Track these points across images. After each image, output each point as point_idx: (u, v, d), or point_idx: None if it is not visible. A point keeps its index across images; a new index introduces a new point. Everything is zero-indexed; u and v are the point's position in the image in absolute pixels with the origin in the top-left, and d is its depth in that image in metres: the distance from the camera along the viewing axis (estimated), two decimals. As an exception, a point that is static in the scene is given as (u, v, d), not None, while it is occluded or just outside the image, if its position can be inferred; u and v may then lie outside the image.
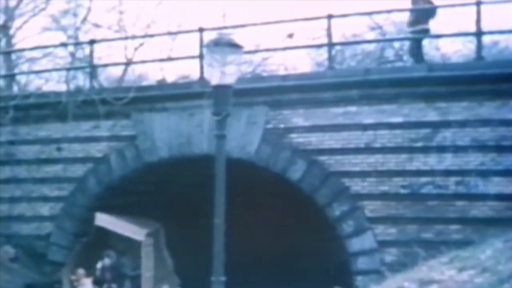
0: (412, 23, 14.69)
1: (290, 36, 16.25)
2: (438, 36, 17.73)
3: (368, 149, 13.45)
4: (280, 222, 19.55)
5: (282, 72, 22.12)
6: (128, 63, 22.69)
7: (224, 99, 9.68)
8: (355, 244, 13.35)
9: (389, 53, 23.52)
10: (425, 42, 16.38)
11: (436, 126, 13.03)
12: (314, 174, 13.84)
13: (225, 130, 9.80)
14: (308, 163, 13.90)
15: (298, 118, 14.10)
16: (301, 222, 18.92)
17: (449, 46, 21.81)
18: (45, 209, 16.33)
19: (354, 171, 13.51)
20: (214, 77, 9.63)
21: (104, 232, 15.51)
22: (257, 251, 18.74)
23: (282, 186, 14.89)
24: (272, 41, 18.02)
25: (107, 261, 15.59)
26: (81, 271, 15.06)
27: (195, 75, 18.33)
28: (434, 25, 14.81)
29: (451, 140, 12.93)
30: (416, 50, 15.12)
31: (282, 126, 14.23)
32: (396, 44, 22.82)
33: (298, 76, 15.29)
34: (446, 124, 12.96)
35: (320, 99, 13.89)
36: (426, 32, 14.99)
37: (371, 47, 23.77)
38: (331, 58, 15.64)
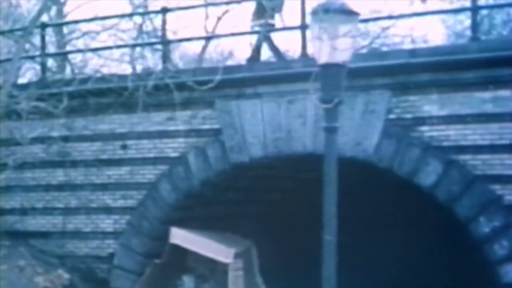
0: (256, 16, 16.32)
1: (423, -1, 16.22)
2: None
3: (528, 147, 13.25)
4: (406, 240, 19.48)
5: (408, 45, 22.06)
6: (210, 37, 23.03)
7: (335, 81, 9.73)
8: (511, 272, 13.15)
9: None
10: None
11: None
12: (453, 179, 13.70)
13: (337, 121, 9.85)
14: (445, 164, 13.78)
15: (430, 105, 13.97)
16: (433, 241, 18.80)
17: None
18: (107, 223, 16.78)
19: (509, 176, 13.30)
20: (323, 54, 9.69)
21: (181, 252, 15.87)
22: (375, 276, 18.73)
23: (409, 193, 14.84)
24: (395, 5, 18.00)
25: (185, 289, 15.98)
26: (152, 301, 15.52)
27: (295, 51, 18.50)
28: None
29: None
30: (270, 45, 16.84)
31: (409, 116, 14.15)
32: None
33: (430, 51, 15.16)
34: None
35: (460, 80, 13.72)
36: (270, 27, 16.44)
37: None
38: (475, 27, 15.44)
